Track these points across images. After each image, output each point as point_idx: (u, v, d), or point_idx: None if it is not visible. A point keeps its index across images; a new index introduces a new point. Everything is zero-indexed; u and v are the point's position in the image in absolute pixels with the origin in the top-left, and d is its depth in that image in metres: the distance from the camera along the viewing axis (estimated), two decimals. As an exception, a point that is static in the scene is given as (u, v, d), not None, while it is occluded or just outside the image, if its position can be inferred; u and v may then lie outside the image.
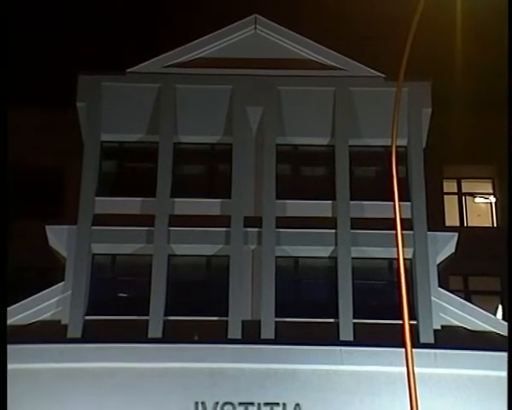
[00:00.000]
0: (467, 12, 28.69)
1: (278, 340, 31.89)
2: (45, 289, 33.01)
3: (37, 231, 33.82)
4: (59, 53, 42.38)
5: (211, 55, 36.29)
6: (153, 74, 35.70)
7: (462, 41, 34.33)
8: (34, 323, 32.38)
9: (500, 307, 37.38)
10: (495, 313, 36.03)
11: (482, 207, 39.72)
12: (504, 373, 28.81)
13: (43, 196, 36.89)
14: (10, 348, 29.78)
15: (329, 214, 34.25)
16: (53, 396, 30.62)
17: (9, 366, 29.05)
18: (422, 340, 31.39)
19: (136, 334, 31.89)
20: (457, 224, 38.60)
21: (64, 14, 44.65)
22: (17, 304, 32.43)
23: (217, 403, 30.74)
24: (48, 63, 40.34)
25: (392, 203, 23.74)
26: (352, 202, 34.13)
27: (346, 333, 32.14)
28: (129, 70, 35.80)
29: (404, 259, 23.00)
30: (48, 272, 34.47)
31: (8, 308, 31.25)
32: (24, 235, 34.57)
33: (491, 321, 33.08)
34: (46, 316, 32.58)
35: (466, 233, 35.71)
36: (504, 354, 29.64)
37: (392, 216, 23.47)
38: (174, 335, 31.88)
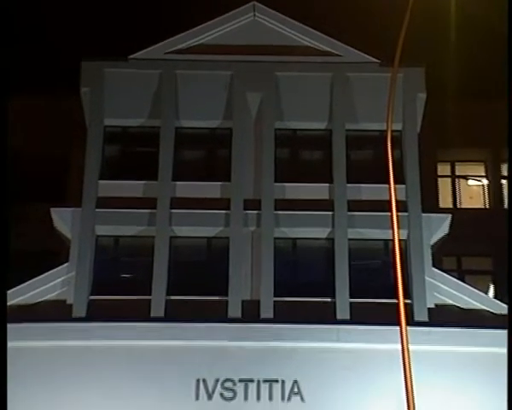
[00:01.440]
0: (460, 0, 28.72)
1: (277, 319, 32.01)
2: (50, 270, 33.14)
3: (42, 213, 33.94)
4: (62, 39, 42.55)
5: (211, 41, 36.28)
6: (154, 61, 35.73)
7: (456, 28, 34.07)
8: (40, 302, 32.52)
9: (492, 286, 37.49)
10: (487, 292, 36.03)
11: (475, 190, 39.71)
12: (496, 349, 30.20)
13: (48, 179, 36.84)
14: (17, 326, 30.41)
15: (326, 197, 34.25)
16: (58, 373, 30.85)
17: (16, 344, 29.73)
18: (417, 318, 31.50)
19: (139, 313, 32.04)
20: (451, 206, 38.76)
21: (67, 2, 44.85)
22: (23, 284, 32.60)
23: (217, 380, 30.96)
24: (51, 49, 40.36)
25: (387, 186, 23.99)
26: (348, 185, 34.14)
27: (343, 312, 32.24)
28: (131, 56, 35.80)
29: (399, 240, 23.13)
30: (53, 253, 34.55)
31: (15, 288, 32.30)
32: (29, 217, 34.86)
33: (483, 300, 33.22)
34: (51, 296, 32.71)
35: (459, 215, 35.73)
36: (496, 331, 30.68)
37: (388, 198, 23.69)
38: (176, 314, 31.98)
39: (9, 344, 29.84)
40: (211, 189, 34.40)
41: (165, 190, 34.12)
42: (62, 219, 33.77)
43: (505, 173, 39.47)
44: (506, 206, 38.99)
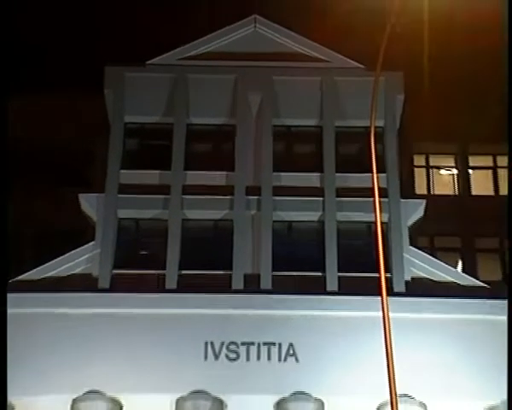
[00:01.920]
0: (434, 10, 28.89)
1: (275, 290, 32.68)
2: (78, 247, 33.71)
3: (71, 198, 34.29)
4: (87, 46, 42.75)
5: (217, 49, 36.78)
6: (168, 66, 36.28)
7: (431, 36, 34.03)
8: (69, 276, 33.12)
9: (460, 262, 37.78)
10: (455, 267, 36.24)
11: (446, 178, 39.97)
12: (464, 316, 31.45)
13: (77, 169, 36.95)
14: (50, 295, 31.77)
15: (318, 185, 34.97)
16: (85, 337, 31.15)
17: (49, 311, 31.49)
18: (396, 289, 32.17)
19: (155, 285, 32.95)
20: (425, 192, 39.03)
21: (91, 13, 44.87)
22: (55, 260, 33.15)
23: (223, 343, 31.50)
24: (78, 55, 40.41)
25: (370, 175, 24.42)
26: (337, 174, 34.86)
27: (332, 284, 32.93)
28: (148, 62, 36.37)
29: (381, 222, 23.56)
30: (80, 233, 34.67)
31: (47, 264, 33.05)
32: (60, 202, 35.33)
33: (452, 273, 33.89)
34: (79, 270, 33.33)
35: (432, 200, 36.18)
36: (464, 301, 31.87)
37: (371, 186, 24.15)
38: (187, 286, 32.65)
39: (44, 311, 31.68)
40: (217, 177, 35.09)
41: (178, 179, 34.82)
42: (89, 204, 34.40)
43: (472, 164, 39.83)
44: (490, 192, 39.37)
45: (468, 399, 31.07)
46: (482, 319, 31.68)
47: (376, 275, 22.56)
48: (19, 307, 31.05)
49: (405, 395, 28.70)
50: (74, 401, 30.76)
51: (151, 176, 35.03)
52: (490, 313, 31.78)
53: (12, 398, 30.24)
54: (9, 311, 30.56)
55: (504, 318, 30.65)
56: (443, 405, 31.13)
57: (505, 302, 31.16)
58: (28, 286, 32.44)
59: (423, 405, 30.82)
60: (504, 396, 29.51)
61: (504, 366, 29.94)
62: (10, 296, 30.70)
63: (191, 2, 41.99)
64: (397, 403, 20.35)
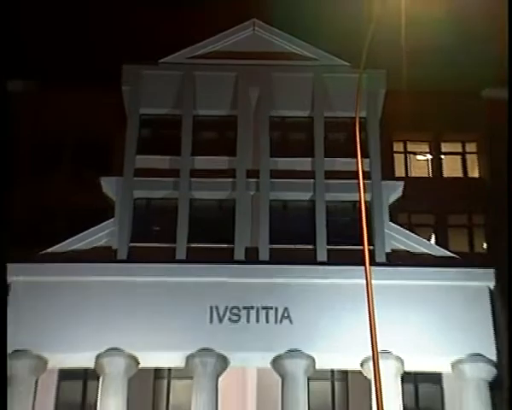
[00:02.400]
0: (411, 11, 28.84)
1: (271, 261, 33.39)
2: (100, 224, 34.24)
3: (94, 181, 34.75)
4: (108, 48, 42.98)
5: (221, 49, 37.20)
6: (178, 64, 36.73)
7: (411, 35, 33.28)
8: (92, 248, 33.65)
9: (433, 236, 37.78)
10: (429, 240, 36.42)
11: (421, 163, 39.91)
12: (437, 283, 32.06)
13: (98, 156, 36.90)
14: (76, 265, 32.36)
15: (309, 168, 35.46)
16: (106, 302, 31.69)
17: (75, 279, 32.03)
18: (377, 260, 32.77)
19: (167, 257, 33.42)
20: (403, 175, 38.85)
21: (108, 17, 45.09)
22: (80, 234, 33.67)
23: (226, 307, 31.95)
24: (100, 55, 40.57)
25: (355, 160, 24.63)
26: (325, 159, 35.36)
27: (322, 255, 33.65)
28: (160, 61, 36.79)
29: (365, 201, 23.82)
30: (101, 211, 34.59)
31: (73, 238, 33.51)
32: (84, 184, 35.46)
33: (427, 246, 34.50)
34: (100, 243, 33.88)
35: (410, 182, 36.37)
36: (436, 269, 32.48)
37: (355, 169, 24.41)
38: (195, 257, 33.28)
39: (70, 279, 32.21)
40: (220, 162, 35.59)
41: (186, 163, 35.34)
42: (109, 186, 34.92)
43: (444, 150, 39.81)
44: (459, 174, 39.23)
45: (438, 354, 31.62)
46: (452, 286, 32.20)
47: (360, 247, 22.90)
48: (49, 275, 32.15)
49: (385, 351, 28.96)
50: (97, 357, 31.27)
51: (163, 161, 35.50)
52: (459, 279, 32.41)
53: (45, 353, 31.34)
54: (42, 279, 32.11)
55: (472, 283, 32.34)
56: (416, 359, 31.68)
57: (472, 270, 32.69)
58: (58, 257, 32.94)
59: (400, 359, 31.30)
60: (469, 351, 31.28)
61: (469, 325, 31.55)
62: (43, 266, 32.31)
63: (197, 9, 42.02)
64: (378, 358, 20.74)
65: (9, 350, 30.38)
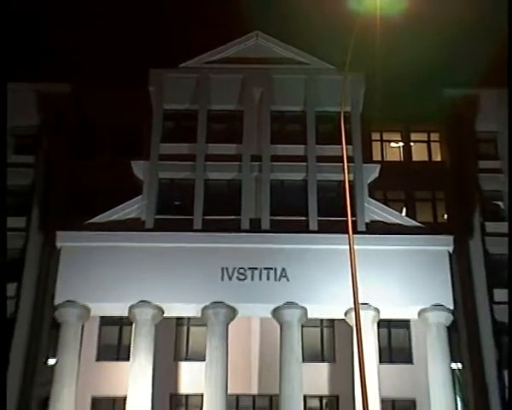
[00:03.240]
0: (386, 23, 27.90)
1: (271, 230, 33.63)
2: (131, 200, 34.51)
3: (127, 165, 34.87)
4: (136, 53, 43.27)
5: (230, 55, 37.30)
6: (195, 68, 36.83)
7: (388, 41, 33.33)
8: (125, 219, 33.96)
9: (404, 209, 37.67)
10: (401, 212, 36.43)
11: (394, 149, 39.88)
12: (407, 247, 32.53)
13: (130, 144, 36.89)
14: (112, 233, 32.64)
15: (302, 153, 35.58)
16: (137, 264, 32.30)
17: (111, 244, 32.46)
18: (359, 229, 32.98)
19: (186, 226, 33.64)
20: (380, 159, 38.94)
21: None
22: (115, 208, 33.97)
23: (234, 268, 32.50)
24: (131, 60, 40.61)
25: (340, 146, 24.39)
26: (316, 146, 35.49)
27: (313, 225, 33.88)
28: (180, 65, 36.90)
29: (349, 180, 23.79)
30: (132, 189, 34.56)
31: (110, 211, 33.76)
32: (118, 168, 35.49)
33: (398, 217, 34.75)
34: (131, 216, 34.14)
35: (385, 165, 36.74)
36: (406, 236, 32.79)
37: (341, 154, 24.23)
38: (209, 227, 33.54)
39: (109, 244, 32.68)
40: (230, 148, 35.72)
41: (201, 149, 35.55)
42: (138, 168, 35.14)
43: (413, 139, 39.88)
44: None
45: (407, 304, 32.33)
46: (419, 249, 32.81)
47: (345, 219, 22.92)
48: (91, 241, 32.79)
49: (364, 303, 29.21)
50: (130, 307, 32.05)
51: (182, 148, 35.61)
52: (424, 244, 32.94)
53: (89, 304, 32.18)
54: (85, 244, 32.64)
55: (434, 248, 32.88)
56: (390, 309, 32.33)
57: (435, 237, 33.17)
58: (98, 226, 33.42)
59: (376, 309, 32.00)
60: (431, 302, 31.90)
61: (432, 281, 32.17)
62: (86, 234, 32.86)
63: (211, 22, 42.08)
64: (359, 309, 20.92)
65: (61, 301, 31.86)
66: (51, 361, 32.71)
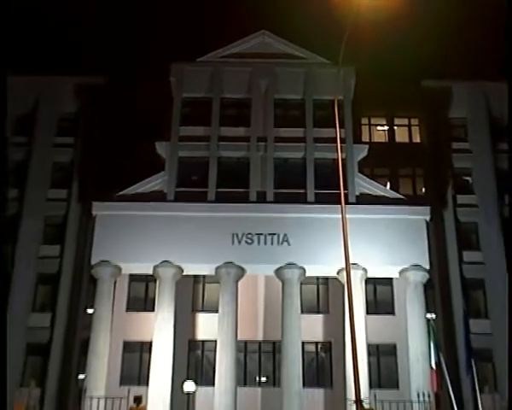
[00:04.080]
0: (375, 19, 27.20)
1: (275, 201, 33.35)
2: (155, 174, 34.25)
3: (151, 145, 34.55)
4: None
5: (240, 51, 36.62)
6: (210, 62, 36.34)
7: (375, 38, 33.49)
8: (149, 192, 33.71)
9: (388, 183, 36.85)
10: (386, 186, 35.79)
11: (380, 132, 39.04)
12: (392, 216, 32.07)
13: (155, 126, 35.55)
14: (138, 203, 32.25)
15: (301, 135, 35.08)
16: (160, 230, 32.01)
17: (137, 213, 32.01)
18: (350, 200, 32.51)
19: (202, 198, 33.38)
20: (368, 140, 38.07)
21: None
22: (141, 182, 33.69)
23: (243, 234, 32.22)
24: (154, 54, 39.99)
25: (334, 129, 24.19)
26: (314, 129, 34.94)
27: (311, 197, 33.54)
28: (198, 59, 36.31)
29: (341, 158, 23.59)
30: (156, 166, 34.06)
31: (137, 184, 33.34)
32: (146, 147, 34.64)
33: (384, 191, 34.44)
34: (155, 188, 33.87)
35: (372, 145, 36.11)
36: (391, 207, 32.38)
37: (335, 136, 24.04)
38: (221, 198, 33.25)
39: (136, 213, 32.17)
40: (239, 131, 35.26)
41: (215, 131, 35.06)
42: (161, 148, 34.69)
43: (396, 123, 39.03)
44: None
45: (390, 265, 32.20)
46: (401, 218, 32.56)
47: (338, 191, 22.71)
48: (121, 210, 32.63)
49: (354, 264, 29.23)
50: (155, 266, 31.94)
51: (199, 130, 35.14)
52: (406, 214, 32.70)
53: (120, 263, 32.11)
54: (117, 213, 32.44)
55: (414, 217, 32.58)
56: (376, 269, 32.19)
57: (414, 207, 32.85)
58: (127, 198, 33.31)
59: (365, 269, 31.89)
60: (411, 263, 31.78)
61: (412, 245, 31.93)
62: (117, 204, 32.73)
63: (223, 22, 41.63)
64: (349, 268, 21.06)
65: (96, 261, 31.89)
66: (90, 311, 32.70)
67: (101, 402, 27.86)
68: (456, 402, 27.93)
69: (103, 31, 44.99)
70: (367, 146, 35.42)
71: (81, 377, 31.61)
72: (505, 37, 25.58)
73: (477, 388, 28.20)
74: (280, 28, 37.47)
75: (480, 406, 27.11)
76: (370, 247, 31.56)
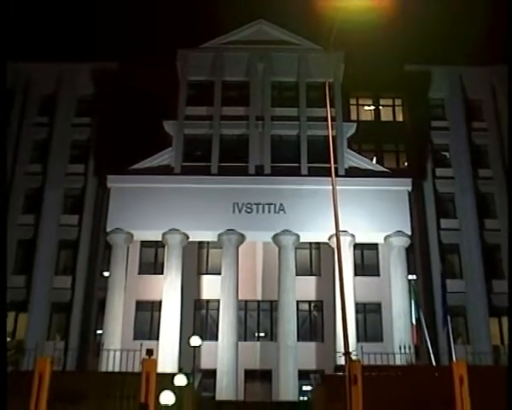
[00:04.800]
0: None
1: (272, 174, 32.30)
2: (163, 150, 33.09)
3: (160, 124, 33.39)
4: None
5: (239, 38, 35.27)
6: (212, 48, 34.97)
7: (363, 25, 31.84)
8: (158, 166, 32.58)
9: (374, 157, 35.52)
10: (372, 160, 34.62)
11: (367, 111, 37.56)
12: (377, 188, 31.14)
13: (163, 107, 34.08)
14: (149, 176, 31.08)
15: (296, 114, 33.80)
16: (167, 200, 31.08)
17: (145, 185, 30.87)
18: (340, 173, 31.29)
19: (205, 171, 32.28)
20: (356, 119, 36.52)
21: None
22: (151, 157, 32.58)
23: (243, 203, 31.31)
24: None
25: (326, 108, 22.71)
26: (307, 108, 33.65)
27: (304, 170, 32.46)
28: (200, 46, 35.00)
29: (332, 136, 22.34)
30: (164, 142, 33.16)
31: (147, 159, 32.15)
32: (155, 126, 33.48)
33: (370, 164, 33.36)
34: (163, 163, 32.79)
35: (360, 123, 34.95)
36: (377, 179, 31.30)
37: (326, 115, 22.71)
38: (223, 172, 32.21)
39: (147, 185, 31.04)
40: (239, 110, 33.95)
41: (217, 111, 33.81)
42: (169, 126, 33.57)
43: (381, 103, 37.58)
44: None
45: (376, 231, 31.43)
46: (385, 189, 31.67)
47: (328, 165, 21.29)
48: (133, 183, 31.59)
49: (344, 231, 28.42)
50: (163, 233, 31.12)
51: (202, 110, 34.01)
52: (390, 185, 31.82)
53: (132, 230, 31.23)
54: (129, 185, 31.43)
55: (397, 188, 31.63)
56: (363, 235, 31.36)
57: (398, 179, 31.87)
58: (138, 171, 32.29)
59: (352, 235, 31.02)
60: (394, 229, 30.90)
61: (395, 213, 31.04)
62: (130, 177, 31.72)
63: (225, 11, 40.21)
64: (339, 235, 20.17)
65: (111, 228, 31.14)
66: (106, 274, 32.05)
67: (117, 354, 27.08)
68: (434, 353, 27.86)
69: (117, 22, 43.75)
70: (355, 124, 34.42)
71: (99, 332, 31.37)
72: (508, 35, 24.38)
73: (451, 340, 27.59)
74: (276, 17, 36.17)
75: (453, 355, 26.40)
76: (358, 215, 30.69)
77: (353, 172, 32.39)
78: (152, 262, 32.93)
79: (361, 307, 31.58)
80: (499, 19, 36.59)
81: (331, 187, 20.75)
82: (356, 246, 31.87)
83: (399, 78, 36.78)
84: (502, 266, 33.35)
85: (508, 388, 13.33)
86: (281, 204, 31.34)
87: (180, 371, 24.72)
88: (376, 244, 32.71)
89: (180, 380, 20.70)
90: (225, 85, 34.65)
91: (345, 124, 33.76)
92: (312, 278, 32.75)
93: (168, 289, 30.36)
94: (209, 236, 31.67)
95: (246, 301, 32.08)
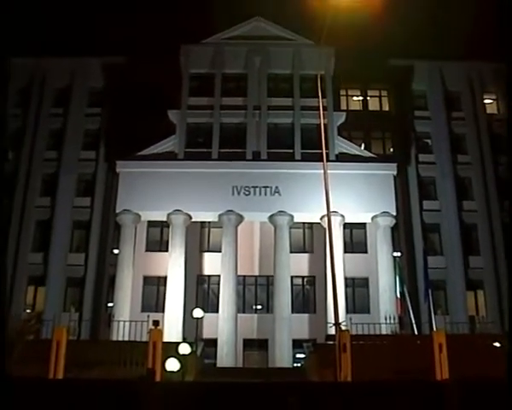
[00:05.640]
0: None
1: (268, 159, 31.70)
2: (167, 138, 32.52)
3: (164, 114, 32.78)
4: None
5: (238, 34, 34.51)
6: (213, 43, 34.27)
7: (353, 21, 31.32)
8: (163, 152, 32.05)
9: (363, 144, 34.65)
10: (360, 146, 33.80)
11: (356, 101, 36.83)
12: (367, 172, 30.58)
13: (167, 98, 33.09)
14: (154, 162, 30.54)
15: (290, 104, 33.16)
16: (171, 183, 30.60)
17: (152, 170, 30.33)
18: (330, 158, 30.29)
19: (207, 157, 31.72)
20: (345, 108, 35.70)
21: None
22: (156, 144, 32.05)
23: (242, 186, 30.82)
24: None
25: (318, 99, 22.95)
26: (301, 99, 32.98)
27: (298, 156, 31.95)
28: (202, 41, 34.24)
29: (324, 124, 22.43)
30: (169, 130, 32.52)
31: (153, 146, 31.57)
32: (160, 116, 32.74)
33: (359, 150, 32.86)
34: (167, 149, 32.24)
35: (350, 112, 34.28)
36: (367, 164, 30.87)
37: (318, 104, 22.78)
38: (223, 157, 31.59)
39: (153, 170, 30.49)
40: (238, 100, 33.28)
41: (218, 102, 33.20)
42: (173, 115, 33.02)
43: (369, 94, 36.84)
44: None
45: (364, 212, 31.10)
46: (373, 173, 31.25)
47: (320, 151, 21.53)
48: (140, 168, 31.15)
49: (334, 211, 27.58)
50: (168, 214, 30.74)
51: (203, 100, 33.32)
52: (377, 169, 31.40)
53: (139, 211, 30.88)
54: (137, 170, 31.00)
55: (383, 172, 31.17)
56: (352, 215, 31.01)
57: (384, 164, 31.50)
58: (145, 157, 31.76)
59: (343, 216, 30.71)
60: (381, 210, 30.58)
61: (382, 195, 30.62)
62: (137, 162, 31.26)
63: (225, 9, 39.30)
64: (330, 215, 20.00)
65: (120, 210, 30.87)
66: (115, 251, 31.72)
67: (127, 325, 26.97)
68: (416, 323, 27.84)
69: (125, 21, 43.12)
70: (345, 113, 33.91)
71: (110, 304, 31.18)
72: (505, 37, 23.81)
73: (432, 311, 27.48)
74: (272, 14, 35.48)
75: (434, 325, 26.34)
76: (347, 197, 30.28)
77: (343, 158, 31.91)
78: (158, 240, 32.55)
79: (350, 282, 31.25)
80: (477, 18, 36.34)
81: (323, 171, 20.41)
82: (345, 225, 31.48)
83: (385, 71, 36.27)
84: (478, 243, 33.19)
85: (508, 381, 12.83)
86: (276, 187, 30.93)
87: (184, 340, 24.75)
88: (364, 224, 32.33)
89: (184, 348, 20.65)
90: (225, 77, 34.05)
91: (335, 113, 33.26)
92: (305, 255, 32.44)
93: (173, 266, 30.04)
94: (210, 216, 31.28)
95: (244, 277, 31.79)
